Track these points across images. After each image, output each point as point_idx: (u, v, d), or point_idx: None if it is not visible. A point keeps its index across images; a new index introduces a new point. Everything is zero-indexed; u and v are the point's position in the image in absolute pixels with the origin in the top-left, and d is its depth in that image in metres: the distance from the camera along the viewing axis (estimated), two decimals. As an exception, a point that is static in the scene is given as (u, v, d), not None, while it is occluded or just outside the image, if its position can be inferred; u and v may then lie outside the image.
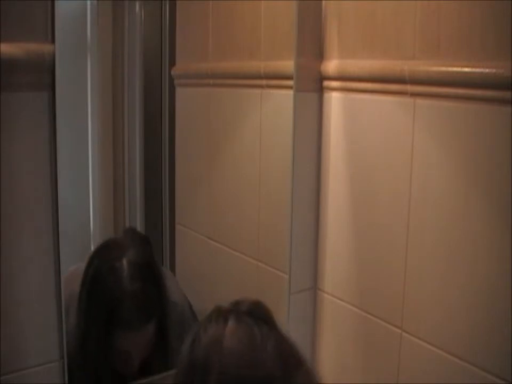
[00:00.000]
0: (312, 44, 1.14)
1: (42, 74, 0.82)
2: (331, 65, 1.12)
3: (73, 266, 1.03)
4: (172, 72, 1.23)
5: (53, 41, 0.82)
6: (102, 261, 1.03)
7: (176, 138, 1.27)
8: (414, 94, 0.96)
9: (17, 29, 0.79)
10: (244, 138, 1.26)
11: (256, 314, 0.73)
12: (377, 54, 1.03)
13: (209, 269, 1.31)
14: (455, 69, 0.88)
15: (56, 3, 0.82)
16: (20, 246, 0.83)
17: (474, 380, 0.90)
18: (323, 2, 1.13)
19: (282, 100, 1.15)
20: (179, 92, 1.24)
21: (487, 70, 0.84)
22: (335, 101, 1.13)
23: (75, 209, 1.12)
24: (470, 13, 0.87)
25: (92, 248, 1.15)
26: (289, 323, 1.18)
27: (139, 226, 1.25)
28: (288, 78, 1.12)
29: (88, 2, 1.10)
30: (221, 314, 0.74)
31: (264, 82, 1.18)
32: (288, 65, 1.12)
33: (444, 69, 0.90)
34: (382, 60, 1.01)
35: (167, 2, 1.23)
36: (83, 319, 0.99)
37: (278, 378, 0.69)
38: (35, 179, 0.83)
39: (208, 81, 1.29)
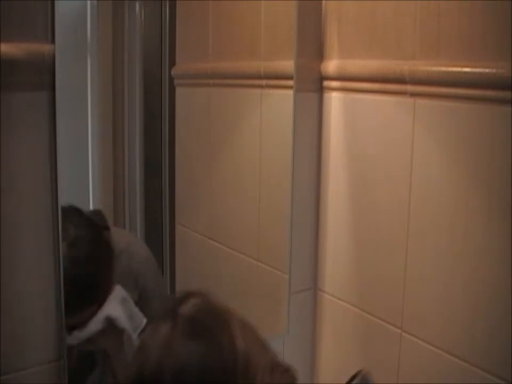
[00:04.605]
0: (312, 44, 1.14)
1: (42, 74, 0.82)
2: (331, 65, 1.12)
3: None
4: (172, 72, 1.23)
5: (53, 41, 0.82)
6: None
7: (176, 138, 1.26)
8: (414, 94, 0.96)
9: (17, 29, 0.79)
10: (243, 138, 1.26)
11: (203, 313, 0.69)
12: (377, 54, 1.03)
13: (209, 269, 1.30)
14: (455, 69, 0.88)
15: (56, 3, 0.81)
16: (20, 246, 0.83)
17: (474, 380, 0.90)
18: (323, 2, 1.13)
19: (282, 100, 1.15)
20: (179, 92, 1.24)
21: (487, 70, 0.84)
22: (335, 101, 1.13)
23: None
24: (470, 12, 0.87)
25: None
26: (289, 323, 1.18)
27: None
28: (288, 78, 1.12)
29: (88, 2, 1.09)
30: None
31: (264, 82, 1.18)
32: (288, 65, 1.12)
33: (443, 69, 0.90)
34: (382, 60, 1.01)
35: (167, 2, 1.23)
36: None
37: (239, 374, 0.65)
38: (35, 179, 0.83)
39: (208, 81, 1.29)
